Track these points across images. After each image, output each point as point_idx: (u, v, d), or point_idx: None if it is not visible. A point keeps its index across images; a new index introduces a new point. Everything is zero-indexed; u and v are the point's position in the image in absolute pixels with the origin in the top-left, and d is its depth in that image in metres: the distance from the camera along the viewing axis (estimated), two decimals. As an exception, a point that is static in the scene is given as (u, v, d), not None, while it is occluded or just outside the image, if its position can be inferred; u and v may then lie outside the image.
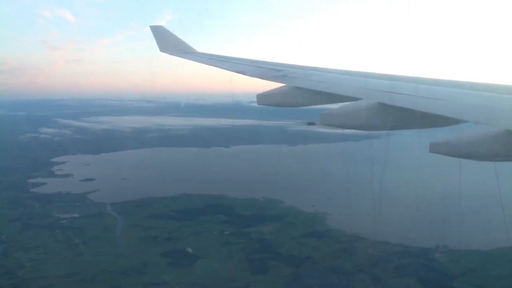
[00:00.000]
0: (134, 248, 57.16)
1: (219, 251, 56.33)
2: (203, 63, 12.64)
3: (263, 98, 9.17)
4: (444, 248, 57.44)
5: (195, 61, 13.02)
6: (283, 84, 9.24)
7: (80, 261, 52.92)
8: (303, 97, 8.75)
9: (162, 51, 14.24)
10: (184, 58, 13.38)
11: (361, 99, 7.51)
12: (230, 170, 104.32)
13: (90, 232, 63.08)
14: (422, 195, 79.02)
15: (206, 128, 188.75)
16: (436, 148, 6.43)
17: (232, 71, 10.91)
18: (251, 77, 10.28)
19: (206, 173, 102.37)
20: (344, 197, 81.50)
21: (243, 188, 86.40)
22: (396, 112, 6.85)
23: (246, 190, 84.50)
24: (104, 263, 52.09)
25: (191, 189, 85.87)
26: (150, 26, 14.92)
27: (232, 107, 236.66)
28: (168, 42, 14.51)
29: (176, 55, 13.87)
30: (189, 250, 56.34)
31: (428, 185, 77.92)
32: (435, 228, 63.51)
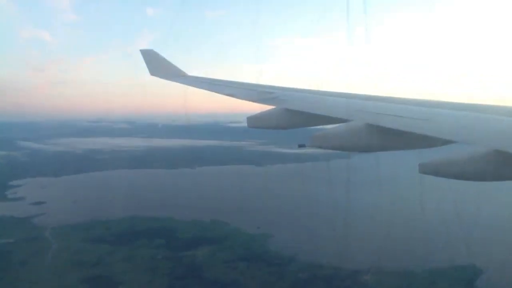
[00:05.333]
0: (57, 273, 55.12)
1: (143, 277, 54.54)
2: (194, 86, 12.50)
3: (253, 120, 8.92)
4: (377, 270, 56.26)
5: (186, 84, 12.89)
6: (273, 107, 9.07)
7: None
8: (293, 119, 8.63)
9: (152, 75, 14.06)
10: (175, 81, 13.16)
11: (351, 120, 7.54)
12: (185, 191, 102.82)
13: (18, 257, 60.89)
14: (377, 216, 78.14)
15: (175, 148, 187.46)
16: (425, 169, 6.38)
17: (223, 94, 10.81)
18: (240, 100, 10.11)
19: (161, 195, 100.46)
20: (294, 219, 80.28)
21: (193, 210, 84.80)
22: (386, 133, 6.86)
23: (196, 212, 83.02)
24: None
25: (139, 212, 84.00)
26: (140, 50, 14.74)
27: (209, 128, 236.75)
28: (158, 66, 14.33)
29: (167, 79, 13.63)
30: (113, 276, 54.54)
31: (386, 207, 77.19)
32: (378, 249, 62.49)
